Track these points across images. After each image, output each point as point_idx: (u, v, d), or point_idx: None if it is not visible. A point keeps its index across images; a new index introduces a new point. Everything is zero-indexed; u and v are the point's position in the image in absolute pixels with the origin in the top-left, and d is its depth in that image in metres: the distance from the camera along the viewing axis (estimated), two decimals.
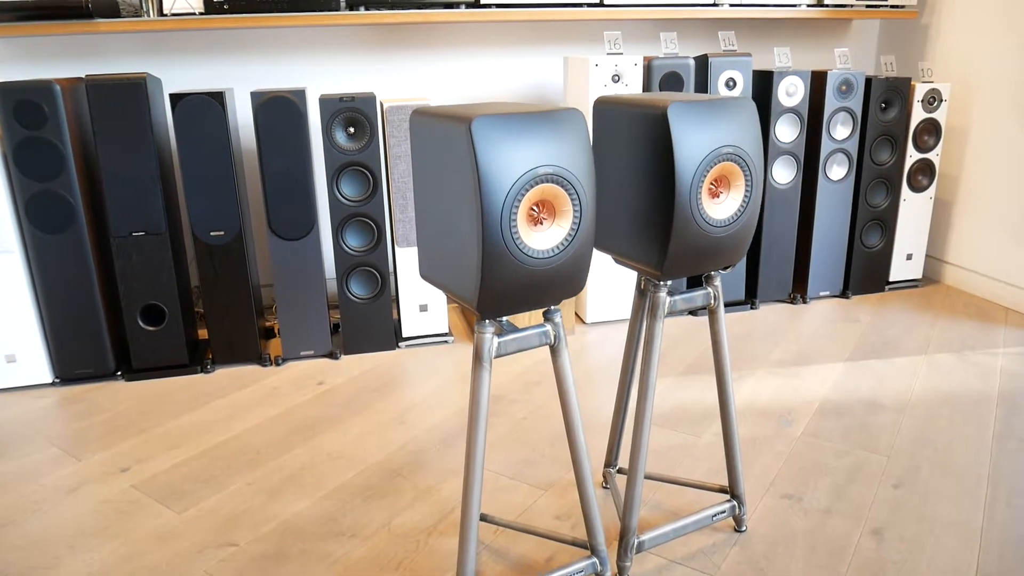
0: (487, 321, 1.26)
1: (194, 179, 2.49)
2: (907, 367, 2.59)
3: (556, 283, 1.25)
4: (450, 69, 3.21)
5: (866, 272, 3.30)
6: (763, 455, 2.06)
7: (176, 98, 2.41)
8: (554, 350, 1.36)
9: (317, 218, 2.62)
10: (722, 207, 1.40)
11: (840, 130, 3.03)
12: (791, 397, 2.39)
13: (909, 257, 3.33)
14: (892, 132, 3.11)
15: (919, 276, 3.39)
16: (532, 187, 1.16)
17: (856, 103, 3.01)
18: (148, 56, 2.93)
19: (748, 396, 2.40)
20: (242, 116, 3.02)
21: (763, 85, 2.95)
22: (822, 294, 3.27)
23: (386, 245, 2.69)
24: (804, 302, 3.25)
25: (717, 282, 1.53)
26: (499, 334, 1.30)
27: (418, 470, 2.02)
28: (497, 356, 1.29)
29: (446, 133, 1.18)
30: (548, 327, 1.34)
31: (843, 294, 3.31)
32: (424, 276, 1.37)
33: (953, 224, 3.38)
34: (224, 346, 2.67)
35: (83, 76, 2.35)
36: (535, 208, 1.20)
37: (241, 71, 3.02)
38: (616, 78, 2.69)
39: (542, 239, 1.20)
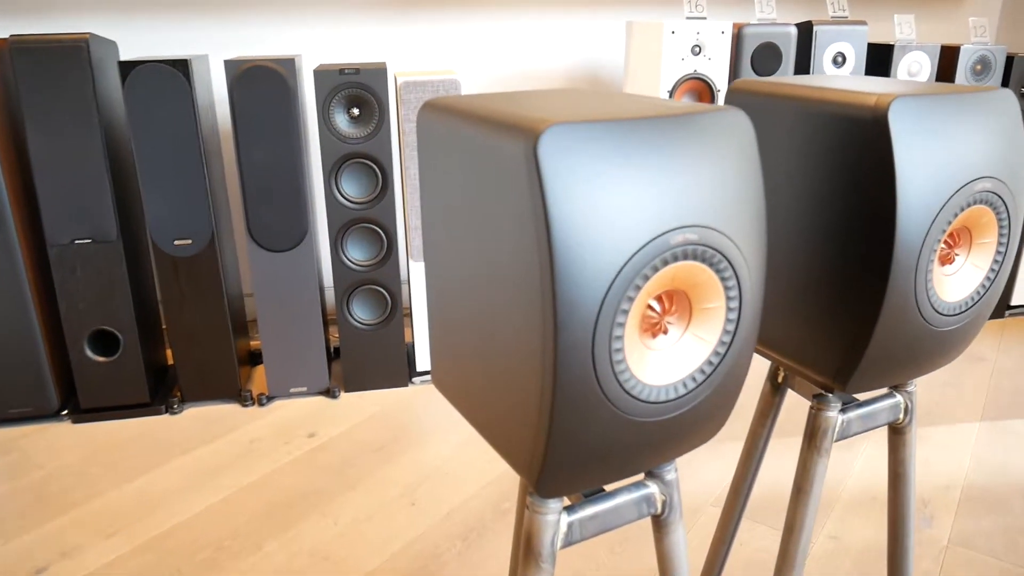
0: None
1: (152, 173, 1.94)
2: None
3: (679, 435, 0.68)
4: (481, 35, 2.61)
5: None
6: None
7: (127, 67, 1.85)
8: (661, 524, 0.79)
9: (312, 224, 2.06)
10: (956, 281, 0.81)
11: None
12: (922, 477, 1.81)
13: None
14: None
15: None
16: (658, 270, 0.58)
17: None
18: (99, 14, 2.37)
19: (863, 472, 1.82)
20: (217, 92, 2.45)
21: (879, 61, 2.32)
22: None
23: (397, 258, 2.13)
24: None
25: (911, 388, 0.95)
26: (572, 505, 0.73)
27: None
28: (565, 546, 0.73)
29: (486, 150, 0.61)
30: (653, 489, 0.77)
31: None
32: (441, 388, 0.81)
33: None
34: (195, 380, 2.14)
35: (8, 37, 1.80)
36: (654, 306, 0.63)
37: (217, 34, 2.45)
38: (697, 49, 2.08)
39: (665, 365, 0.63)
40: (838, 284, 0.79)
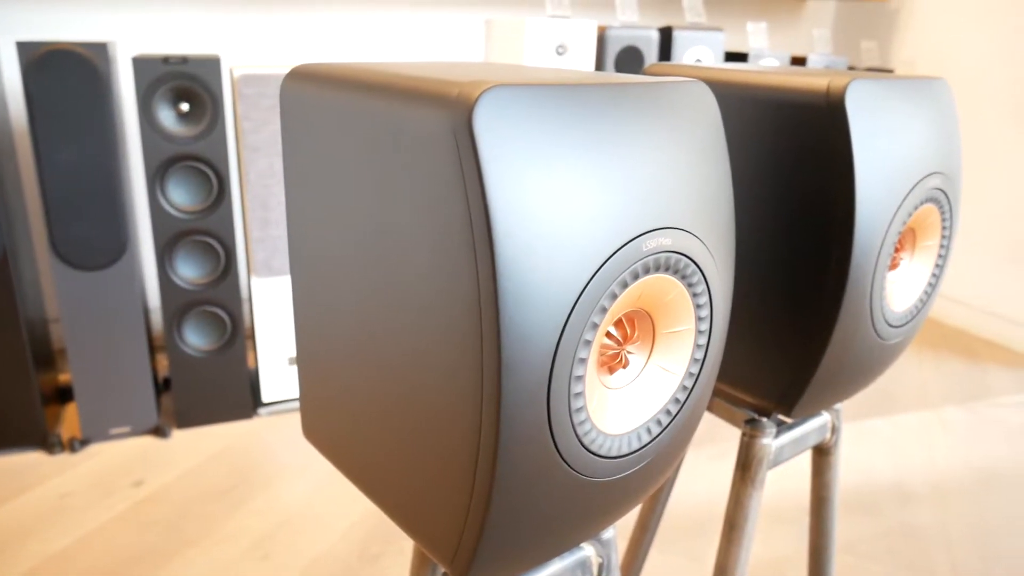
0: None
1: None
2: (917, 429, 2.08)
3: (634, 491, 0.54)
4: (326, 30, 2.40)
5: None
6: None
7: None
8: None
9: (132, 237, 1.77)
10: (901, 288, 0.74)
11: None
12: (795, 482, 1.81)
13: None
14: None
15: None
16: (627, 286, 0.44)
17: None
18: None
19: (725, 479, 1.79)
20: (9, 81, 2.08)
21: None
22: None
23: (237, 275, 1.88)
24: None
25: (838, 406, 0.88)
26: None
27: None
28: None
29: (389, 127, 0.44)
30: (589, 551, 0.63)
31: None
32: (316, 442, 0.63)
33: None
34: None
35: None
36: (612, 334, 0.49)
37: (11, 15, 2.08)
38: (561, 50, 2.00)
39: (626, 408, 0.50)
40: (784, 296, 0.69)
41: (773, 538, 1.60)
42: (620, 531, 1.53)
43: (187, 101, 1.75)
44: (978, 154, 2.66)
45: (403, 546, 1.53)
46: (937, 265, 0.75)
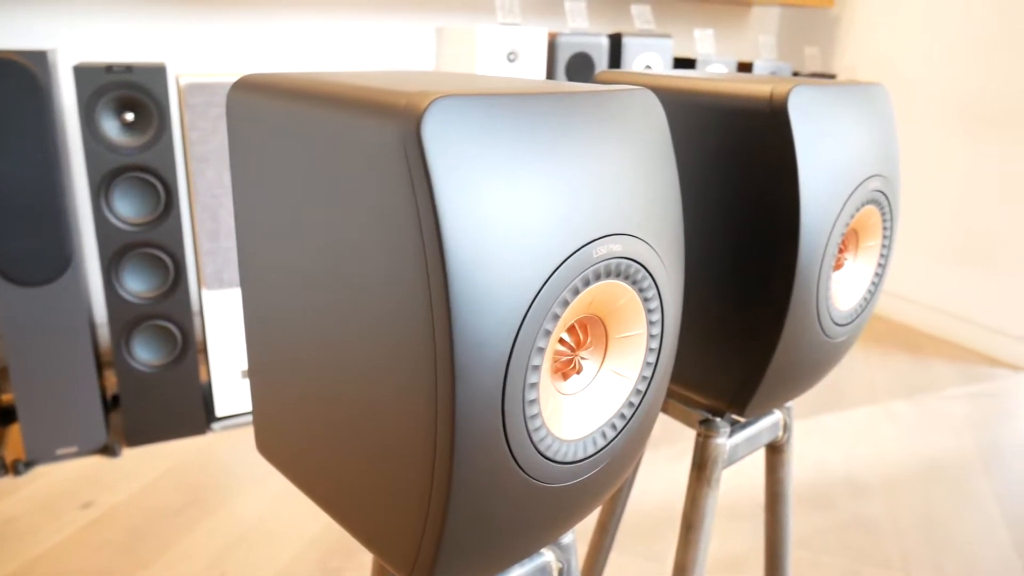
0: None
1: None
2: (866, 423, 2.13)
3: (592, 495, 0.55)
4: (275, 38, 2.37)
5: None
6: None
7: None
8: None
9: (78, 251, 1.72)
10: (846, 288, 0.76)
11: None
12: (750, 478, 1.84)
13: None
14: None
15: None
16: (578, 292, 0.45)
17: None
18: None
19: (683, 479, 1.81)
20: None
21: None
22: None
23: (187, 287, 1.84)
24: None
25: (789, 404, 0.90)
26: None
27: None
28: None
29: (337, 138, 0.44)
30: (549, 557, 0.63)
31: None
32: (269, 456, 0.62)
33: None
34: None
35: None
36: (565, 340, 0.49)
37: None
38: (512, 57, 2.00)
39: (581, 413, 0.50)
40: (733, 298, 0.71)
41: (730, 535, 1.63)
42: (580, 534, 1.54)
43: (132, 111, 1.71)
44: (920, 157, 2.75)
45: (363, 560, 1.51)
46: (880, 264, 0.77)
